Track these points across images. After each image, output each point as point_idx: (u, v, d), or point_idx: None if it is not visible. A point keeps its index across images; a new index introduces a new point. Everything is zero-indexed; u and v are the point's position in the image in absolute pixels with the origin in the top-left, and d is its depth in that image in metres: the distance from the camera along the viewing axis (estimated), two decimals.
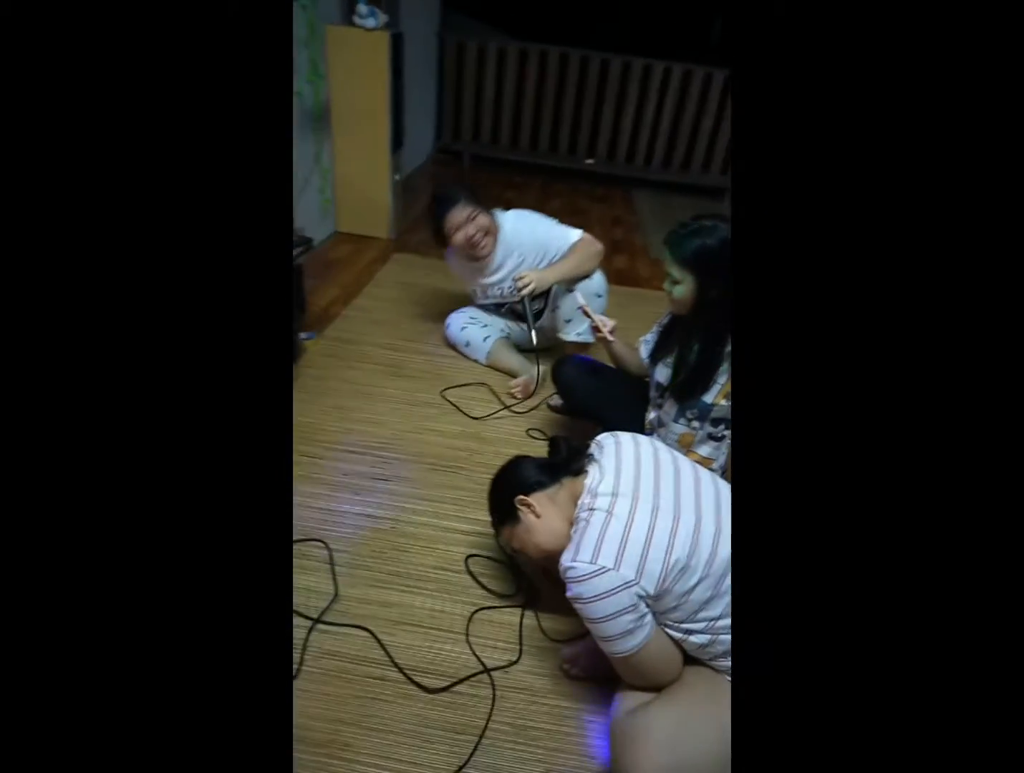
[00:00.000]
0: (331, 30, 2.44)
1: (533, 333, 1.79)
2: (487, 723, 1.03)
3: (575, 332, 1.94)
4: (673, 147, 4.40)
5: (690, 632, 0.92)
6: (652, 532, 0.89)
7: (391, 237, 2.93)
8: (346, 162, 2.71)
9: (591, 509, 0.94)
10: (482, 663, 1.12)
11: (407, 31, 3.34)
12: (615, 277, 2.85)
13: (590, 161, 4.41)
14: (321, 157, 2.65)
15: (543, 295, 1.95)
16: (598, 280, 1.89)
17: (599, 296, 1.87)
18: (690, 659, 0.98)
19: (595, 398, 1.61)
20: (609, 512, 0.92)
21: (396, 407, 1.79)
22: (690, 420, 1.36)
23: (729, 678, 0.95)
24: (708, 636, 0.91)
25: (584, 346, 1.96)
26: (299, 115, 2.40)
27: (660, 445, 1.08)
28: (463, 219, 1.84)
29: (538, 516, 1.04)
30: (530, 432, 1.76)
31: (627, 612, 0.87)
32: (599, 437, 1.11)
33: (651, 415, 1.48)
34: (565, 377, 1.63)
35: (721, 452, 1.38)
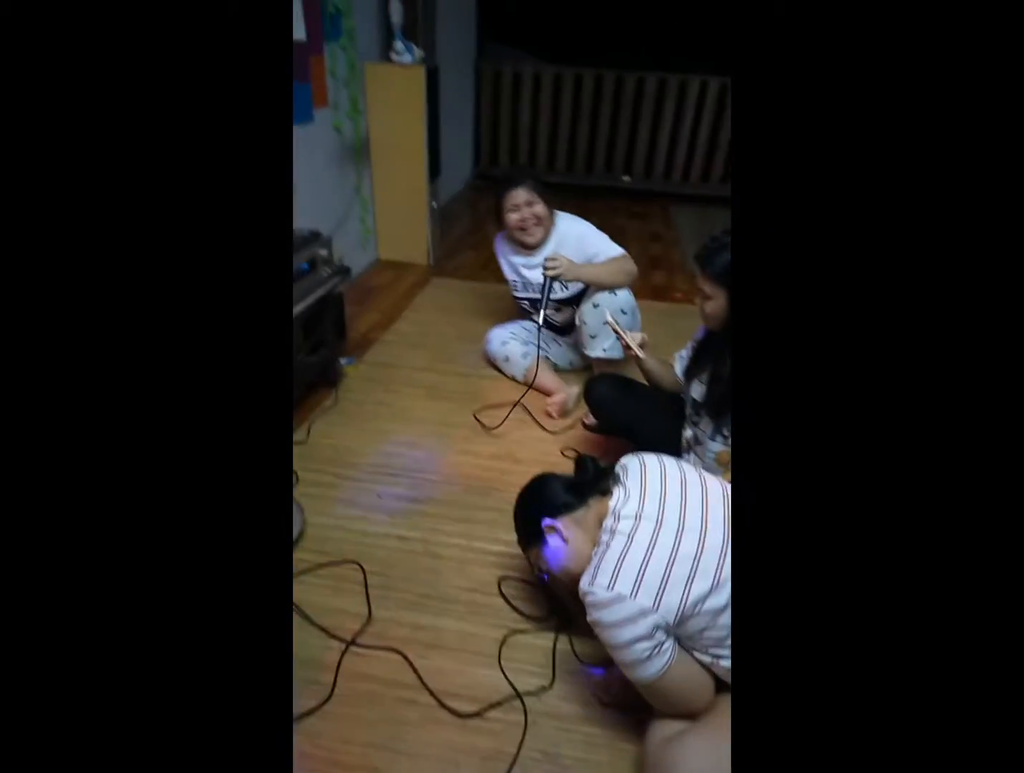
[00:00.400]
0: (369, 68, 2.54)
1: (542, 312, 1.79)
2: (519, 750, 1.02)
3: (601, 348, 1.92)
4: (712, 160, 4.36)
5: (719, 656, 0.89)
6: (673, 560, 0.87)
7: (430, 263, 3.00)
8: (385, 192, 2.80)
9: (613, 532, 0.93)
10: (514, 688, 1.11)
11: (444, 63, 3.47)
12: (652, 293, 2.84)
13: (627, 178, 4.41)
14: (361, 188, 2.76)
15: (570, 302, 1.98)
16: (624, 296, 1.87)
17: (624, 313, 1.85)
18: (727, 686, 0.94)
19: (627, 416, 1.59)
20: (630, 537, 0.90)
21: (432, 429, 1.82)
22: (727, 438, 1.32)
23: None
24: None
25: (614, 363, 1.94)
26: (340, 149, 2.51)
27: (686, 466, 1.05)
28: (521, 201, 1.89)
29: (565, 540, 1.03)
30: (564, 452, 1.75)
31: (643, 640, 0.86)
32: (624, 458, 1.10)
33: (688, 433, 1.45)
34: (596, 395, 1.62)
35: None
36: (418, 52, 2.55)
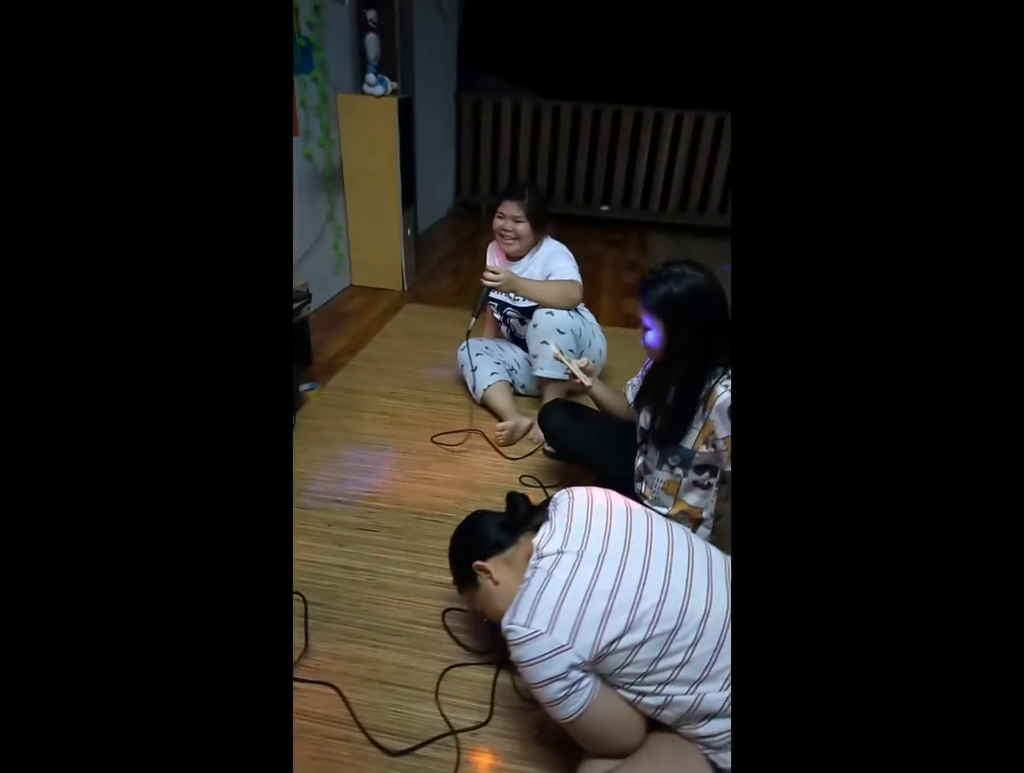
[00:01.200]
0: (342, 99, 2.59)
1: (474, 319, 1.85)
2: None
3: (539, 366, 1.93)
4: (689, 190, 4.45)
5: (643, 694, 0.87)
6: (590, 595, 0.86)
7: (404, 289, 3.02)
8: (359, 220, 2.83)
9: (535, 568, 0.92)
10: (449, 724, 1.08)
11: (422, 94, 3.54)
12: (625, 320, 2.86)
13: (605, 208, 4.48)
14: (334, 215, 2.78)
15: (523, 313, 2.02)
16: (561, 317, 1.87)
17: (561, 333, 1.85)
18: (659, 725, 0.92)
19: (581, 443, 1.59)
20: (550, 573, 0.90)
21: (390, 456, 1.80)
22: (673, 467, 1.32)
23: (699, 746, 0.89)
24: (661, 698, 0.86)
25: (562, 384, 1.91)
26: (311, 177, 2.54)
27: (616, 497, 1.05)
28: (508, 213, 1.95)
29: (496, 583, 1.01)
30: (523, 479, 1.74)
31: (559, 680, 0.84)
32: (556, 494, 1.09)
33: (638, 462, 1.45)
34: (549, 421, 1.62)
35: (709, 500, 1.33)
36: (391, 84, 2.60)
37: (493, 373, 2.05)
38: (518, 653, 0.87)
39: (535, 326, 1.90)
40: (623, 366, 2.19)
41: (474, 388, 2.06)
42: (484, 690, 1.15)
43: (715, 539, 1.35)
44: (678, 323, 1.21)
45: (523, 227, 1.95)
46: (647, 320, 1.24)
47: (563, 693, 0.85)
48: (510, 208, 1.95)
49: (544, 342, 1.86)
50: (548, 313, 1.87)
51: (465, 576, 1.07)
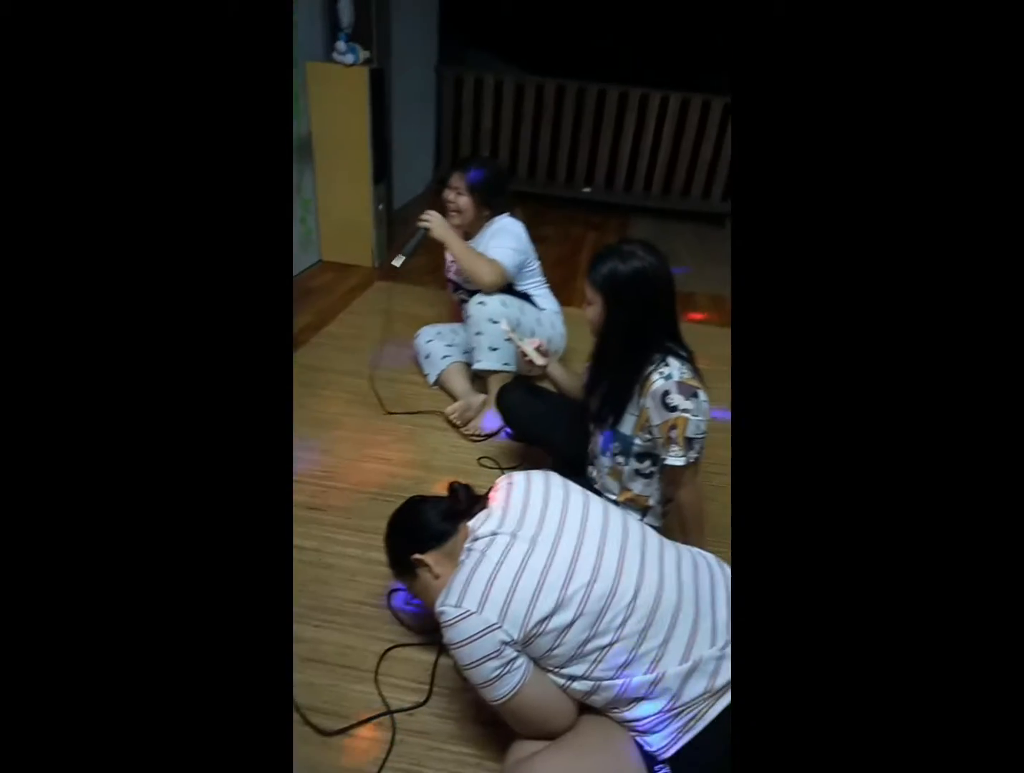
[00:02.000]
0: (310, 66, 2.51)
1: (401, 258, 1.81)
2: (380, 769, 0.98)
3: (476, 361, 1.87)
4: (672, 174, 4.39)
5: (572, 678, 0.87)
6: (522, 572, 0.85)
7: (375, 265, 2.96)
8: (328, 193, 2.76)
9: (468, 551, 0.91)
10: (386, 704, 1.08)
11: (402, 67, 3.45)
12: None
13: (587, 189, 4.42)
14: (302, 188, 2.71)
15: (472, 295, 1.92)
16: (493, 307, 1.80)
17: (494, 322, 1.79)
18: (589, 708, 0.92)
19: (539, 424, 1.57)
20: (482, 553, 0.89)
21: (348, 435, 1.78)
22: (614, 454, 1.31)
23: (627, 730, 0.89)
24: (590, 683, 0.86)
25: (506, 377, 1.84)
26: None
27: (555, 479, 1.04)
28: (452, 184, 1.90)
29: (436, 576, 0.99)
30: (481, 461, 1.73)
31: (491, 659, 0.83)
32: (499, 479, 1.08)
33: (591, 445, 1.44)
34: (506, 403, 1.60)
35: (654, 489, 1.31)
36: (363, 53, 2.52)
37: (445, 356, 2.02)
38: (450, 635, 0.86)
39: (468, 318, 1.85)
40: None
41: (428, 374, 2.04)
42: (425, 671, 1.14)
43: (664, 525, 1.35)
44: (616, 300, 1.20)
45: (464, 201, 1.88)
46: (590, 293, 1.24)
47: (495, 674, 0.84)
48: (454, 179, 1.90)
49: (479, 333, 1.81)
50: (480, 303, 1.81)
51: (403, 565, 1.05)
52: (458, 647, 0.86)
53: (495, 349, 1.83)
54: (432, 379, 2.03)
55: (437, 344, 2.05)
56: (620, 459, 1.29)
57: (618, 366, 1.23)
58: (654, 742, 0.86)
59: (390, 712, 1.06)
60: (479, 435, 1.83)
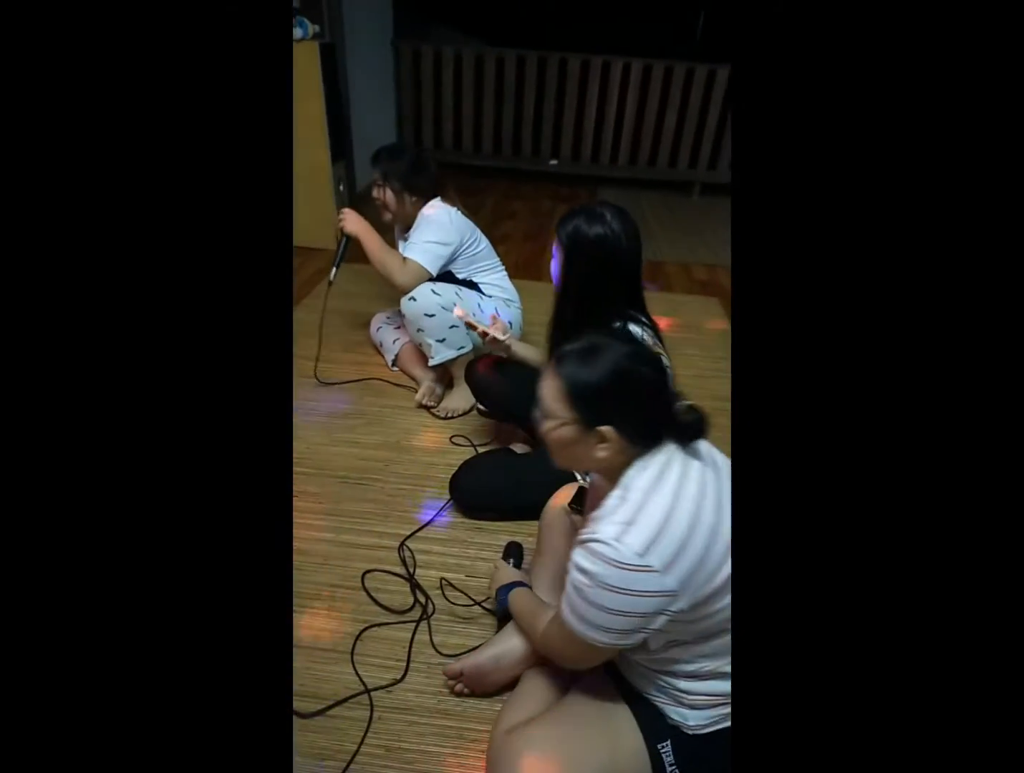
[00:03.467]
0: None
1: (334, 270, 1.82)
2: (359, 746, 0.99)
3: (431, 357, 1.80)
4: (638, 143, 4.36)
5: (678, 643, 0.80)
6: (711, 544, 0.73)
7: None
8: None
9: (656, 482, 0.75)
10: (363, 683, 1.08)
11: (356, 41, 3.35)
12: None
13: (554, 162, 4.37)
14: None
15: None
16: (425, 301, 1.71)
17: (429, 315, 1.71)
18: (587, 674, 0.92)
19: (511, 400, 1.56)
20: (676, 499, 0.74)
21: (316, 420, 1.76)
22: None
23: (624, 702, 0.89)
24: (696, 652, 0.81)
25: (464, 360, 1.77)
26: None
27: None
28: (374, 179, 1.82)
29: (606, 461, 0.79)
30: (453, 439, 1.72)
31: (637, 618, 0.73)
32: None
33: None
34: (476, 380, 1.59)
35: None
36: (311, 27, 2.44)
37: (396, 340, 2.00)
38: (604, 572, 0.72)
39: (405, 316, 1.77)
40: None
41: (388, 362, 2.03)
42: (401, 648, 1.15)
43: None
44: (576, 258, 1.21)
45: (386, 194, 1.79)
46: (555, 248, 1.25)
47: (624, 628, 0.74)
48: (374, 174, 1.80)
49: (420, 330, 1.73)
50: (411, 299, 1.72)
51: (586, 411, 0.77)
52: (605, 588, 0.72)
53: (443, 340, 1.75)
54: (390, 363, 2.03)
55: (386, 330, 2.04)
56: None
57: (572, 329, 1.23)
58: (691, 718, 0.84)
59: (367, 691, 1.07)
60: (453, 414, 1.82)
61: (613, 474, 0.80)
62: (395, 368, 2.02)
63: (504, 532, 1.42)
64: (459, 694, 1.07)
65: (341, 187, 2.80)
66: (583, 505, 1.14)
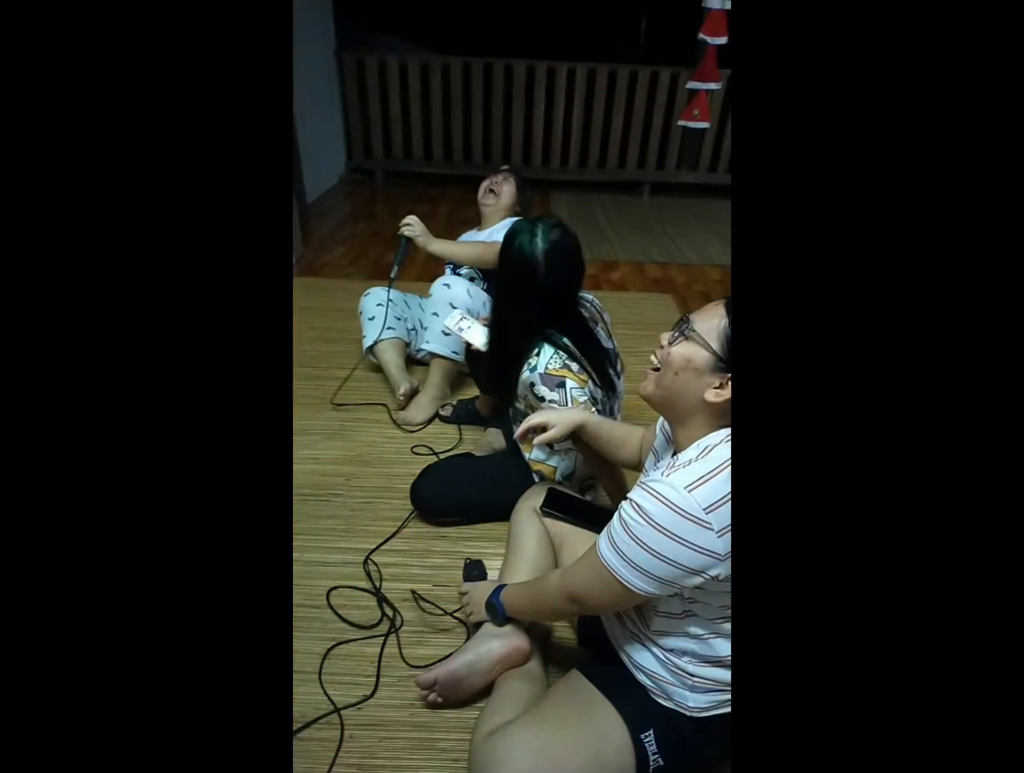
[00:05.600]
0: None
1: (396, 268, 1.82)
2: (331, 768, 0.97)
3: (424, 339, 1.86)
4: (587, 146, 4.42)
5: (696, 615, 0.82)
6: None
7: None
8: None
9: (728, 460, 0.75)
10: (332, 702, 1.06)
11: (298, 52, 3.30)
12: None
13: (505, 167, 4.39)
14: None
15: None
16: (457, 292, 1.77)
17: (453, 307, 1.75)
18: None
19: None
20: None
21: None
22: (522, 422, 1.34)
23: (605, 697, 0.89)
24: (707, 631, 0.83)
25: (449, 364, 1.84)
26: None
27: None
28: (498, 175, 1.99)
29: (710, 399, 0.78)
30: (415, 449, 1.71)
31: (680, 570, 0.73)
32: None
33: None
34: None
35: (560, 459, 1.32)
36: None
37: (390, 328, 1.97)
38: (662, 515, 0.72)
39: (430, 295, 1.82)
40: None
41: (365, 336, 1.97)
42: (371, 664, 1.13)
43: (600, 495, 1.38)
44: (508, 271, 1.23)
45: (509, 187, 1.93)
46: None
47: (664, 577, 0.74)
48: (502, 172, 2.00)
49: (435, 313, 1.77)
50: (445, 285, 1.78)
51: (727, 362, 0.78)
52: (655, 528, 0.73)
53: (448, 334, 1.75)
54: (367, 343, 1.96)
55: (388, 311, 1.98)
56: None
57: (496, 335, 1.27)
58: (691, 700, 0.85)
59: (337, 710, 1.05)
60: (413, 426, 1.81)
61: (691, 425, 0.82)
62: (367, 351, 1.97)
63: (468, 539, 1.42)
64: (432, 704, 1.06)
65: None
66: (556, 507, 1.15)
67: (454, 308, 1.72)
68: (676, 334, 0.83)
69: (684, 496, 0.72)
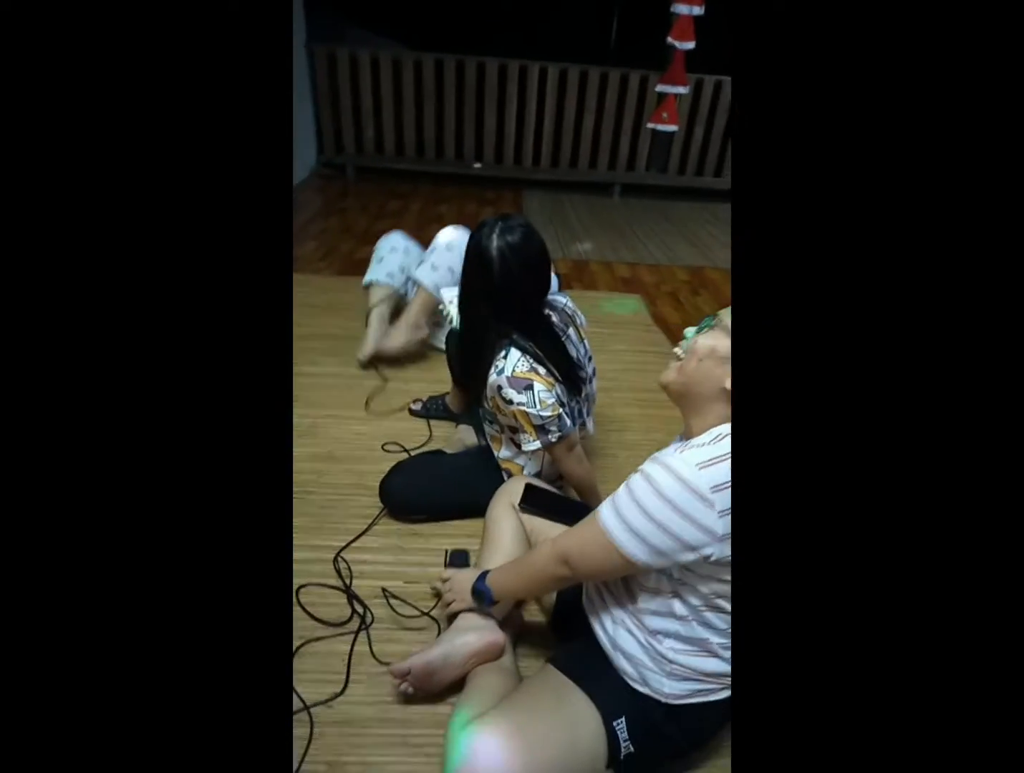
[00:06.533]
0: None
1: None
2: (299, 765, 0.97)
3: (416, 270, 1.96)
4: (559, 146, 4.46)
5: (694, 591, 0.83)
6: None
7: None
8: None
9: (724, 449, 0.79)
10: (302, 700, 1.05)
11: None
12: None
13: (477, 165, 4.40)
14: None
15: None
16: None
17: (449, 250, 1.87)
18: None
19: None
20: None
21: None
22: (491, 422, 1.36)
23: (577, 686, 0.90)
24: (699, 613, 0.84)
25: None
26: None
27: None
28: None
29: (728, 387, 0.84)
30: (385, 447, 1.70)
31: (678, 542, 0.75)
32: None
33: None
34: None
35: (527, 459, 1.34)
36: None
37: (390, 273, 2.01)
38: (668, 485, 0.75)
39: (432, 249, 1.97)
40: None
41: (368, 272, 2.04)
42: (340, 661, 1.13)
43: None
44: (467, 267, 1.24)
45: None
46: None
47: (660, 546, 0.76)
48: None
49: (433, 249, 1.95)
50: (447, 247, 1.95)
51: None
52: (659, 497, 0.75)
53: (436, 270, 1.89)
54: (366, 280, 2.03)
55: (396, 257, 2.04)
56: (496, 428, 1.34)
57: (464, 334, 1.28)
58: (667, 686, 0.87)
59: (307, 707, 1.04)
60: (390, 352, 1.94)
61: (706, 414, 0.85)
62: (365, 286, 2.04)
63: (440, 535, 1.42)
64: (403, 694, 1.06)
65: None
66: (533, 503, 1.16)
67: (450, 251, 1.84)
68: (703, 326, 0.88)
69: (694, 472, 0.74)
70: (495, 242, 1.17)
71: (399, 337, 1.94)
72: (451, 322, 1.67)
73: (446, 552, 1.27)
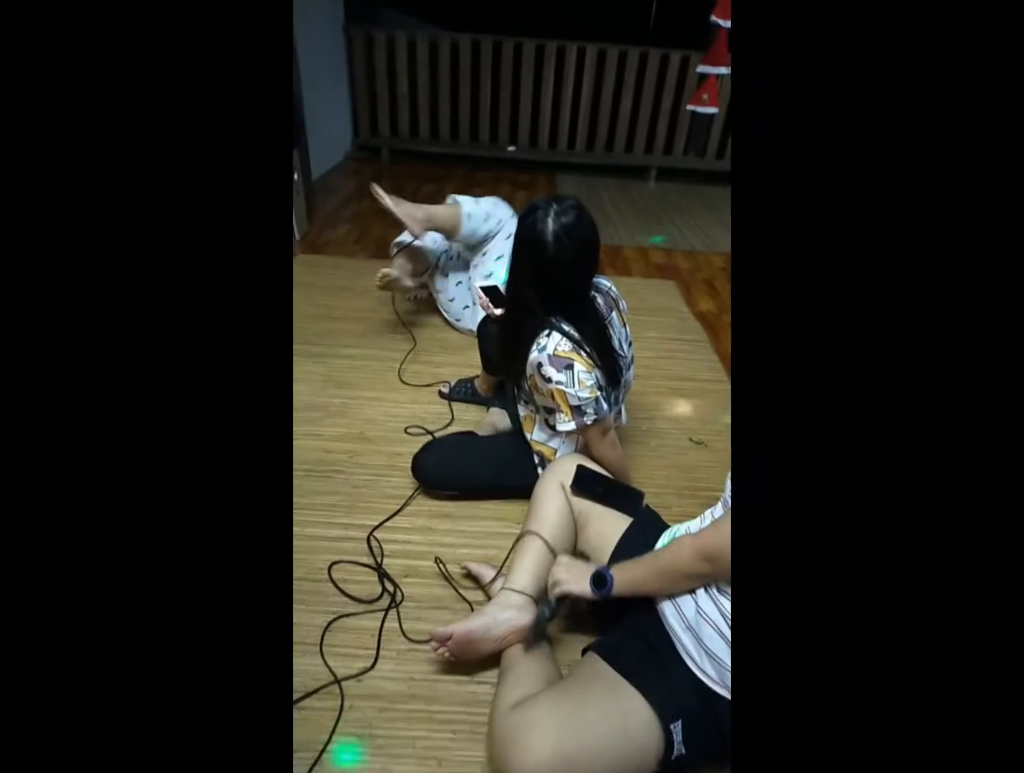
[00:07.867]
0: None
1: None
2: (330, 737, 0.99)
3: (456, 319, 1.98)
4: (595, 129, 4.38)
5: None
6: None
7: (296, 238, 2.85)
8: None
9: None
10: (333, 673, 1.08)
11: (304, 27, 3.26)
12: None
13: (512, 148, 4.36)
14: None
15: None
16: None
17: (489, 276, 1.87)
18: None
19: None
20: None
21: None
22: (527, 403, 1.35)
23: (628, 682, 0.90)
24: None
25: None
26: None
27: None
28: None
29: None
30: (408, 430, 1.70)
31: None
32: None
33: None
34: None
35: (561, 442, 1.34)
36: None
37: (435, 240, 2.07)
38: None
39: (458, 284, 2.05)
40: None
41: (403, 242, 2.06)
42: (371, 637, 1.15)
43: None
44: (518, 250, 1.21)
45: None
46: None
47: None
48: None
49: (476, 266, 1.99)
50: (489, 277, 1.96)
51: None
52: None
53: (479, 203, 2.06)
54: (397, 246, 2.09)
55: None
56: (532, 408, 1.33)
57: (508, 314, 1.27)
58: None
59: (337, 681, 1.07)
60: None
61: None
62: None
63: (469, 518, 1.43)
64: (440, 658, 1.07)
65: (296, 176, 2.74)
66: (584, 488, 1.16)
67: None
68: None
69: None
70: (551, 225, 1.15)
71: (410, 209, 1.94)
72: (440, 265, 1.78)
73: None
